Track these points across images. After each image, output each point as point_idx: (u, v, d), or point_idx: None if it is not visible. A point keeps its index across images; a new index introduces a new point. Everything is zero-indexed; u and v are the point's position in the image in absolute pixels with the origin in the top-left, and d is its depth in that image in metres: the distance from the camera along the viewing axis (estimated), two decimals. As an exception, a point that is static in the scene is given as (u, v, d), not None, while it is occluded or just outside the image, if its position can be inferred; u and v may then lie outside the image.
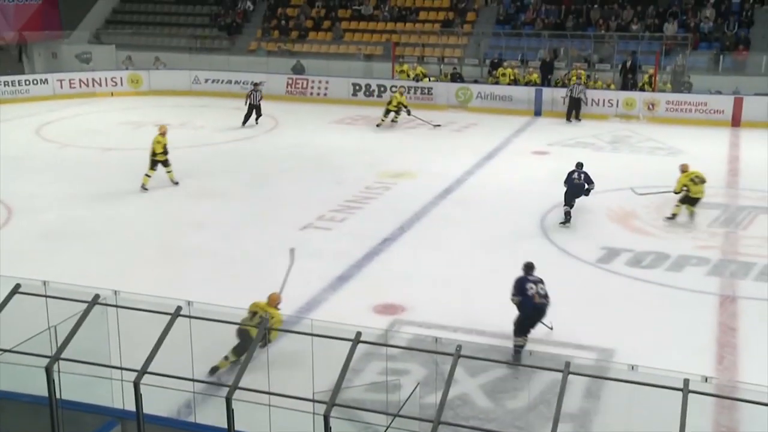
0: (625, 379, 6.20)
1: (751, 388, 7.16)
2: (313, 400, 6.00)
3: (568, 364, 5.93)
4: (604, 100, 23.57)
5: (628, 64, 24.56)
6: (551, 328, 9.22)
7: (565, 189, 13.68)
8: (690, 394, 5.53)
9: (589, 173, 13.90)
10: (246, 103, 21.94)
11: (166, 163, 15.38)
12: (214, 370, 8.14)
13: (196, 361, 6.85)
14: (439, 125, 21.81)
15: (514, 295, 8.95)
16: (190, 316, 6.41)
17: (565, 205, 13.55)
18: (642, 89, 23.91)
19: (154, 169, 15.30)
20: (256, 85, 22.53)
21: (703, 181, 13.70)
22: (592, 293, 10.73)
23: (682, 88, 23.81)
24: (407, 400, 6.87)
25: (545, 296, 8.90)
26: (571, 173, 13.87)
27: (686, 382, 5.50)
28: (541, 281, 9.02)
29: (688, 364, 8.01)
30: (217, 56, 28.80)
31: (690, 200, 13.62)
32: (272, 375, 6.76)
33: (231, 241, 12.57)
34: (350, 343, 6.04)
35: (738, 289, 10.85)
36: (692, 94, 23.35)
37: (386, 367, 7.64)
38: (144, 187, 15.24)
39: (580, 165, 14.11)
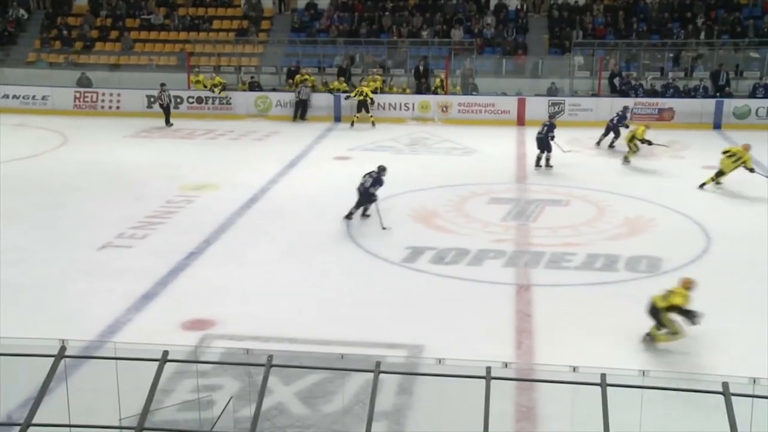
0: (434, 373, 6.42)
1: (546, 369, 7.68)
2: (120, 428, 5.70)
3: (378, 364, 6.04)
4: (400, 104, 24.37)
5: (421, 68, 25.57)
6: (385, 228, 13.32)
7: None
8: (492, 380, 5.83)
9: (554, 125, 18.18)
10: (159, 105, 23.59)
11: None
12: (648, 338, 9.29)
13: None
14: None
15: None
16: (-28, 353, 5.84)
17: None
18: (435, 92, 24.97)
19: None
20: (162, 86, 23.46)
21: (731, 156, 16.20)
22: (399, 292, 11.02)
23: (473, 92, 25.14)
24: (220, 415, 6.71)
25: (364, 189, 13.59)
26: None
27: (488, 369, 5.77)
28: (371, 178, 13.69)
29: (491, 351, 8.46)
30: (-12, 69, 26.69)
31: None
32: (74, 405, 6.33)
33: (19, 267, 11.66)
34: (157, 364, 5.79)
35: (531, 278, 11.59)
36: (481, 95, 24.71)
37: (197, 384, 7.42)
38: None
39: (552, 115, 19.76)
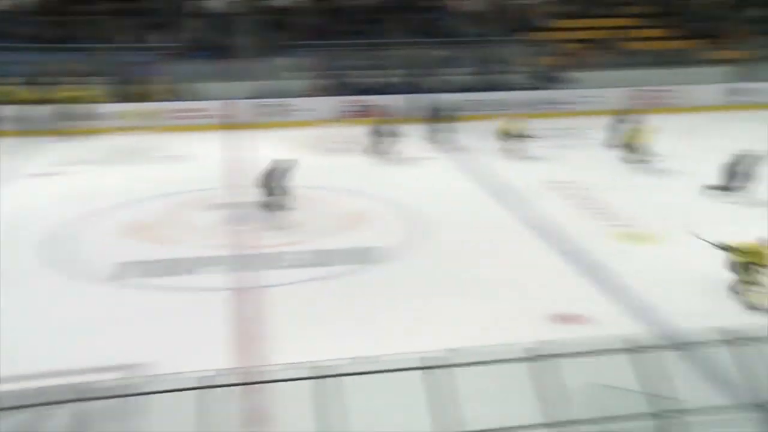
0: (147, 391, 6.05)
1: (272, 369, 7.58)
2: None
3: (86, 390, 5.57)
4: (103, 114, 23.11)
5: (126, 76, 24.33)
6: None
7: None
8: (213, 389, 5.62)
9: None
10: None
11: None
12: None
13: None
14: None
15: None
16: None
17: None
18: (142, 100, 23.91)
19: None
20: None
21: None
22: (111, 313, 10.32)
23: (181, 98, 24.42)
24: None
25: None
26: None
27: (202, 379, 5.56)
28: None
29: (216, 359, 8.22)
30: None
31: None
32: None
33: None
34: None
35: (251, 281, 11.46)
36: (189, 101, 24.20)
37: None
38: None
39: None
